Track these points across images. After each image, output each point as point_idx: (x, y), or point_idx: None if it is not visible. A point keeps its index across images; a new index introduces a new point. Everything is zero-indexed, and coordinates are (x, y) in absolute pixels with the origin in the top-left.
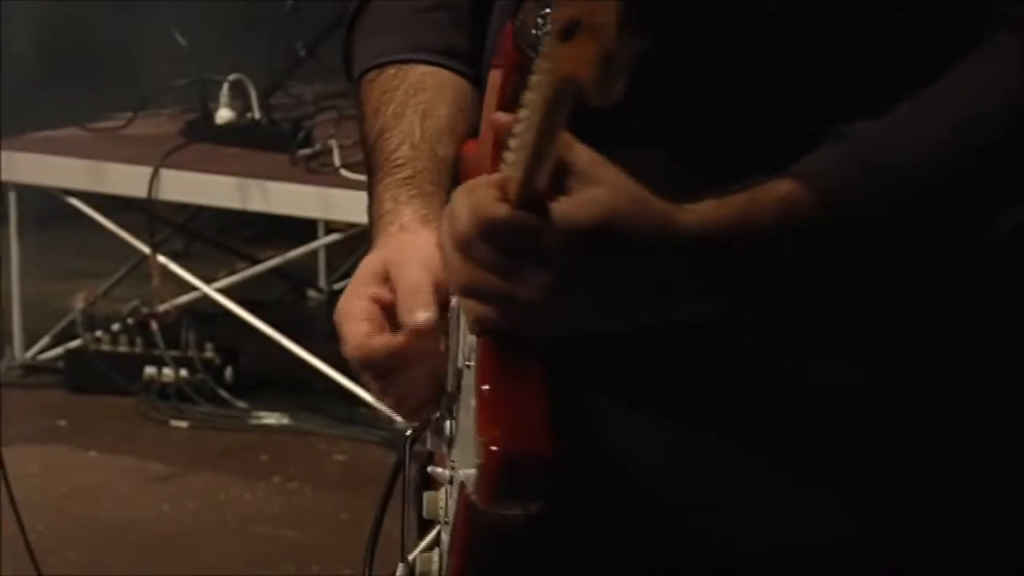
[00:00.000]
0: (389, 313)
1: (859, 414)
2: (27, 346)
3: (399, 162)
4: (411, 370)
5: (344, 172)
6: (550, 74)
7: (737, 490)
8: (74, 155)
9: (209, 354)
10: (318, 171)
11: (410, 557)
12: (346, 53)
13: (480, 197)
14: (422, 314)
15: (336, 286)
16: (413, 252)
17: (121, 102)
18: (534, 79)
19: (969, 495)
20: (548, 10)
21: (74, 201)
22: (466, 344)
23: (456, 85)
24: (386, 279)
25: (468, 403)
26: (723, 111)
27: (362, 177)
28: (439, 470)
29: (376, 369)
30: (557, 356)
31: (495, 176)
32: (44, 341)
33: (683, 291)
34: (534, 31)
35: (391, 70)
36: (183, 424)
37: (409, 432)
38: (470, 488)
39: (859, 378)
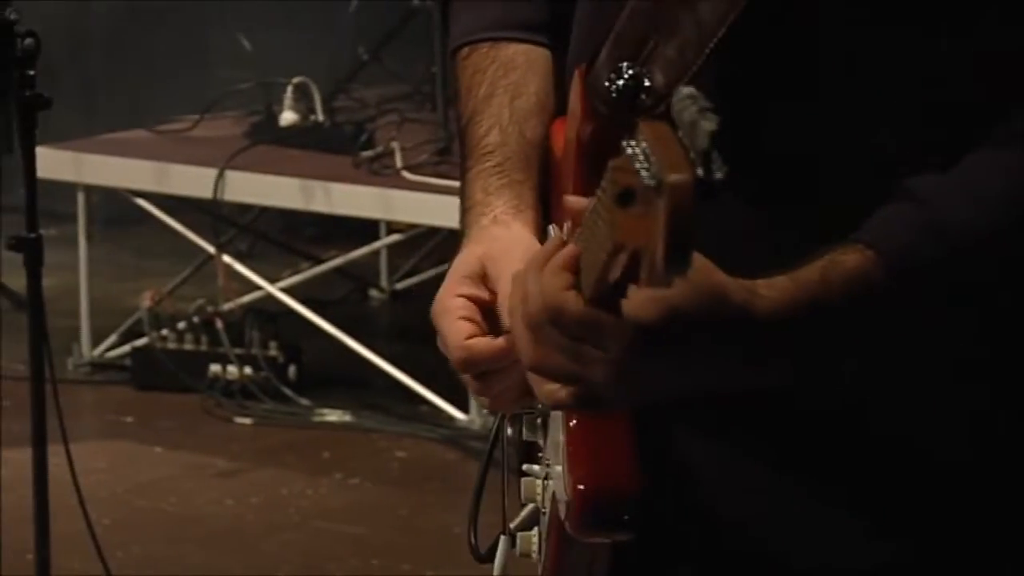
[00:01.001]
0: (486, 311)
1: (905, 442)
2: (95, 344)
3: (488, 149)
4: (510, 370)
5: (405, 174)
6: (611, 230)
7: (789, 511)
8: (141, 157)
9: (273, 352)
10: (380, 173)
11: (512, 526)
12: (444, 22)
13: (551, 284)
14: None
15: (398, 286)
16: (511, 248)
17: (187, 105)
18: (600, 201)
19: (1015, 525)
20: (623, 66)
21: (141, 202)
22: None
23: (546, 62)
24: (482, 277)
25: (558, 423)
26: (784, 180)
27: (423, 179)
28: (535, 467)
29: (477, 370)
30: None
31: (567, 255)
32: (111, 339)
33: (752, 370)
34: (607, 84)
35: (483, 48)
36: (247, 421)
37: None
38: (561, 514)
39: (908, 407)
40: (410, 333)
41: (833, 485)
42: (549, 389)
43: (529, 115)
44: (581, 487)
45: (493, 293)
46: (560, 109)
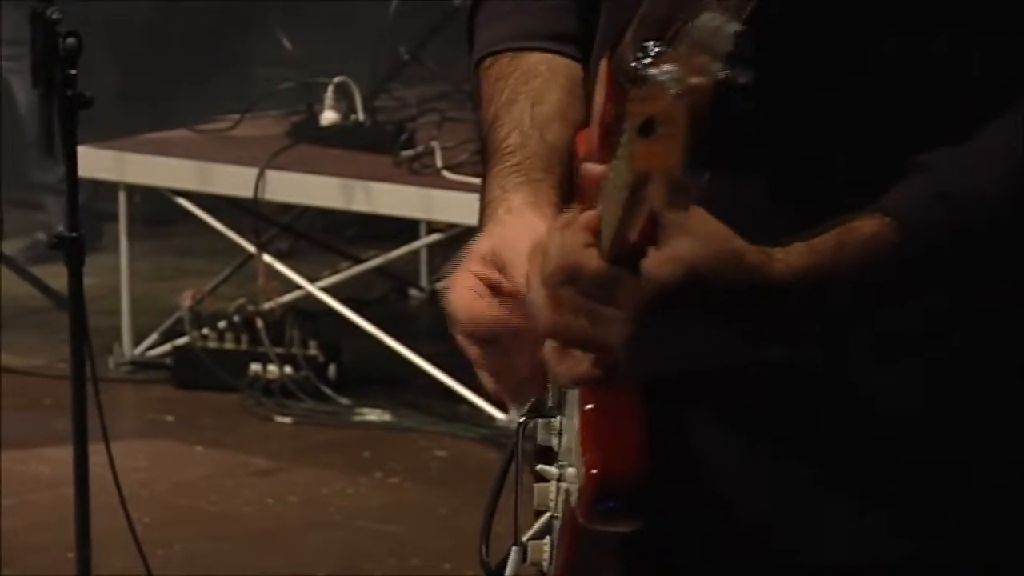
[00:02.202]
0: (495, 292)
1: (919, 439)
2: (136, 343)
3: (508, 149)
4: (513, 343)
5: (446, 173)
6: (631, 162)
7: (800, 506)
8: (183, 156)
9: (313, 351)
10: (420, 172)
11: (524, 539)
12: (469, 38)
13: (571, 241)
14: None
15: (437, 285)
16: (524, 233)
17: (229, 104)
18: (620, 153)
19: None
20: (648, 44)
21: (182, 201)
22: None
23: (568, 71)
24: (493, 261)
25: (574, 411)
26: (812, 176)
27: (463, 178)
28: (550, 468)
29: (478, 334)
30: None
31: (587, 217)
32: (152, 338)
33: (767, 335)
34: (632, 64)
35: (505, 57)
36: (287, 420)
37: (522, 418)
38: (572, 502)
39: (920, 403)
40: (449, 333)
41: (850, 478)
42: (566, 365)
43: (550, 120)
44: (593, 471)
45: (505, 276)
46: (586, 120)
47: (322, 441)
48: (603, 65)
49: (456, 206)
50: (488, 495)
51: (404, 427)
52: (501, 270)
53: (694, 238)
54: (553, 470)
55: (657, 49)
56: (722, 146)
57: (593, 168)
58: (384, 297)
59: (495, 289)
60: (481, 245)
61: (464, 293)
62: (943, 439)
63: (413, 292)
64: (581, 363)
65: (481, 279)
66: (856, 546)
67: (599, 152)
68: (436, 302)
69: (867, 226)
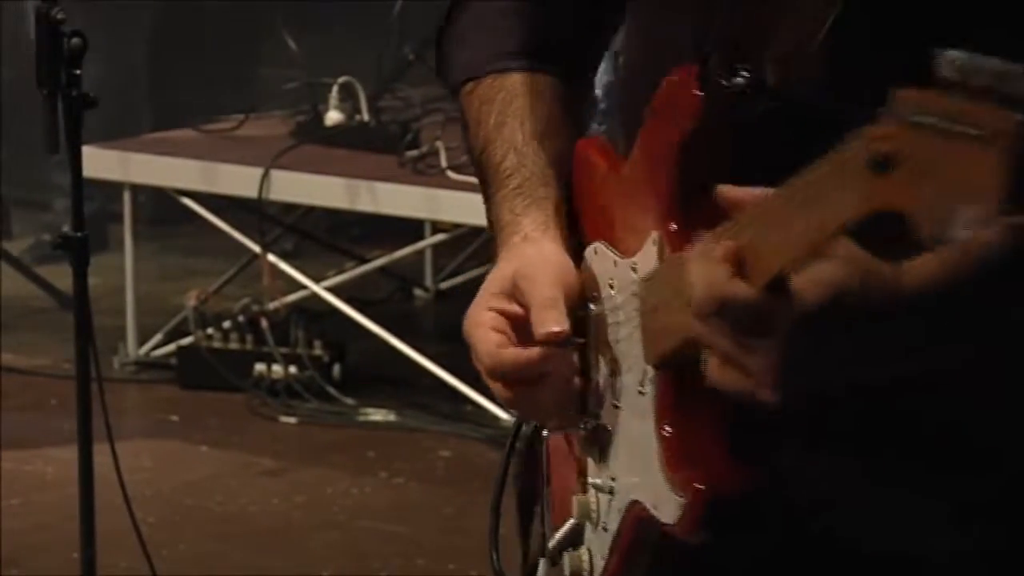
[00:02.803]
0: (516, 327)
1: (983, 427)
2: (140, 343)
3: (507, 172)
4: (541, 384)
5: (451, 173)
6: (864, 200)
7: (861, 496)
8: (187, 156)
9: (318, 351)
10: (425, 172)
11: (550, 545)
12: (440, 59)
13: (715, 274)
14: (555, 327)
15: (442, 285)
16: (542, 265)
17: (233, 104)
18: (803, 182)
19: None
20: (737, 66)
21: (187, 201)
22: (632, 368)
23: (551, 85)
24: (513, 294)
25: (639, 428)
26: None
27: (468, 178)
28: (598, 481)
29: (507, 379)
30: None
31: (726, 248)
32: (157, 338)
33: (905, 351)
34: (723, 83)
35: (487, 80)
36: (292, 420)
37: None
38: (670, 519)
39: (983, 390)
40: (455, 333)
41: (910, 468)
42: (730, 378)
43: (542, 136)
44: (698, 485)
45: (524, 308)
46: (580, 129)
47: (327, 441)
48: (677, 80)
49: (461, 206)
50: (507, 491)
51: (409, 427)
52: (521, 304)
53: (834, 260)
54: (599, 482)
55: (745, 72)
56: (779, 159)
57: (738, 193)
58: (389, 297)
59: (516, 321)
60: (499, 277)
61: (486, 335)
62: (1005, 427)
63: (418, 292)
64: (737, 380)
65: (502, 313)
66: (915, 535)
67: (670, 170)
68: (441, 302)
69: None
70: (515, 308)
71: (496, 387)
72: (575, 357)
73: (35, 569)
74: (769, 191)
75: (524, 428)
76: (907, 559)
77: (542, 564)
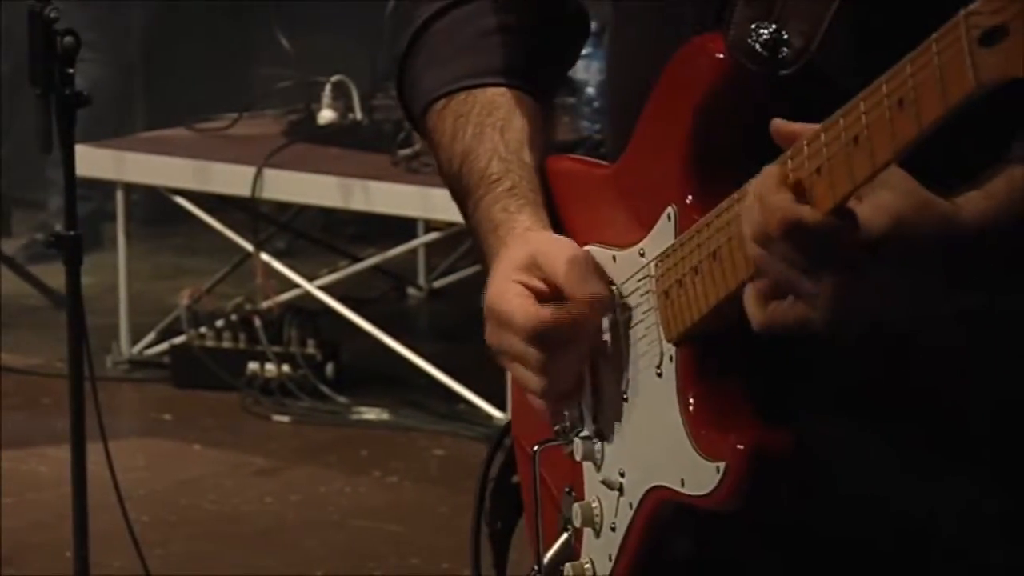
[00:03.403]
0: (540, 300)
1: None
2: (133, 342)
3: (495, 177)
4: (572, 348)
5: None
6: (982, 73)
7: (878, 459)
8: (180, 155)
9: (311, 350)
10: (418, 171)
11: (546, 559)
12: (404, 85)
13: (780, 199)
14: (598, 285)
15: (435, 284)
16: (558, 243)
17: (226, 103)
18: (883, 91)
19: None
20: (764, 23)
21: (180, 200)
22: (645, 354)
23: (526, 101)
24: (532, 269)
25: (657, 412)
26: None
27: None
28: (606, 477)
29: (546, 339)
30: (756, 360)
31: (785, 173)
32: (150, 337)
33: (963, 282)
34: (750, 41)
35: (460, 96)
36: (285, 419)
37: (535, 448)
38: (705, 490)
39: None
40: (448, 331)
41: (929, 435)
42: (776, 312)
43: (521, 145)
44: (740, 446)
45: (548, 284)
46: (550, 147)
47: (321, 440)
48: (697, 46)
49: (454, 205)
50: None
51: (403, 426)
52: (542, 278)
53: (894, 189)
54: (608, 478)
55: (771, 28)
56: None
57: (793, 126)
58: (382, 296)
59: (540, 296)
60: (515, 256)
61: (517, 300)
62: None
63: (411, 291)
64: (791, 311)
65: (527, 287)
66: (931, 498)
67: (688, 134)
68: (435, 301)
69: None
70: (538, 283)
71: (530, 352)
72: (604, 323)
73: (29, 568)
74: (824, 123)
75: (493, 464)
76: (925, 524)
77: None
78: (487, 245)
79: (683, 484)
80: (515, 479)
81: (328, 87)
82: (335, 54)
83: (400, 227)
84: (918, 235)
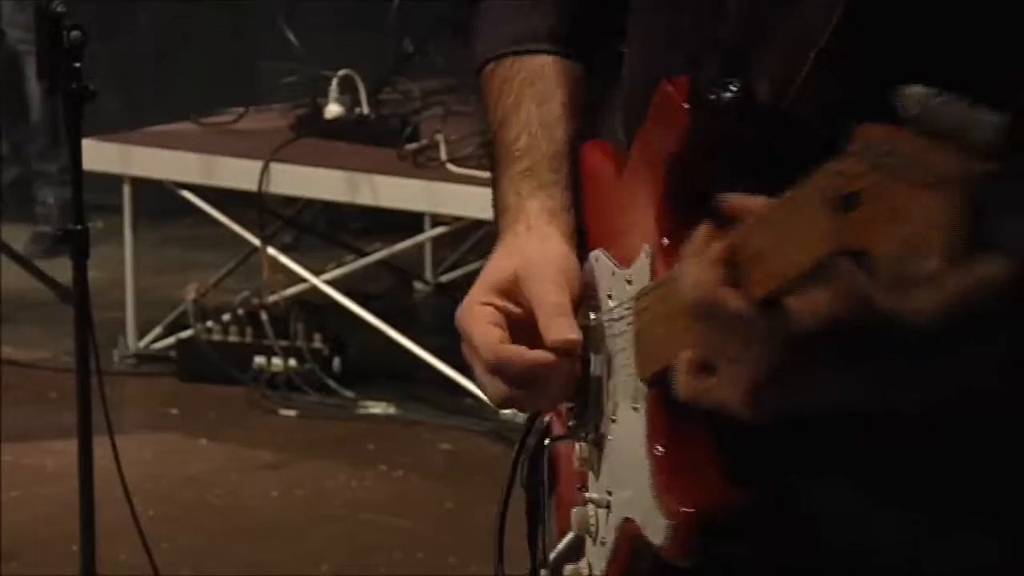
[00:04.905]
0: (512, 325)
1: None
2: (140, 336)
3: (517, 154)
4: (542, 386)
5: (450, 166)
6: (828, 239)
7: (868, 512)
8: (187, 149)
9: (317, 344)
10: (425, 165)
11: (552, 556)
12: (468, 33)
13: (706, 276)
14: (570, 334)
15: (442, 278)
16: (545, 266)
17: (233, 97)
18: (796, 199)
19: None
20: (728, 80)
21: (187, 194)
22: (627, 383)
23: (570, 72)
24: (511, 291)
25: (633, 444)
26: None
27: (468, 171)
28: (596, 495)
29: (509, 376)
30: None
31: (720, 250)
32: (156, 331)
33: (897, 383)
34: (712, 97)
35: (507, 61)
36: (292, 413)
37: (545, 438)
38: (659, 541)
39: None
40: (454, 325)
41: (918, 486)
42: (700, 387)
43: (557, 120)
44: (686, 509)
45: (524, 309)
46: (592, 129)
47: (327, 434)
48: (668, 94)
49: (461, 199)
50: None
51: (409, 420)
52: (520, 303)
53: (835, 286)
54: (597, 496)
55: (735, 88)
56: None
57: (742, 201)
58: (389, 290)
59: (513, 320)
60: (499, 269)
61: (486, 330)
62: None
63: (418, 285)
64: (713, 389)
65: (499, 310)
66: (923, 552)
67: (665, 179)
68: (441, 295)
69: None
70: (512, 307)
71: (493, 383)
72: (578, 365)
73: (35, 562)
74: (773, 201)
75: (533, 430)
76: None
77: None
78: (496, 225)
79: (645, 528)
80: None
81: (335, 81)
82: (342, 48)
83: (407, 221)
84: (851, 331)
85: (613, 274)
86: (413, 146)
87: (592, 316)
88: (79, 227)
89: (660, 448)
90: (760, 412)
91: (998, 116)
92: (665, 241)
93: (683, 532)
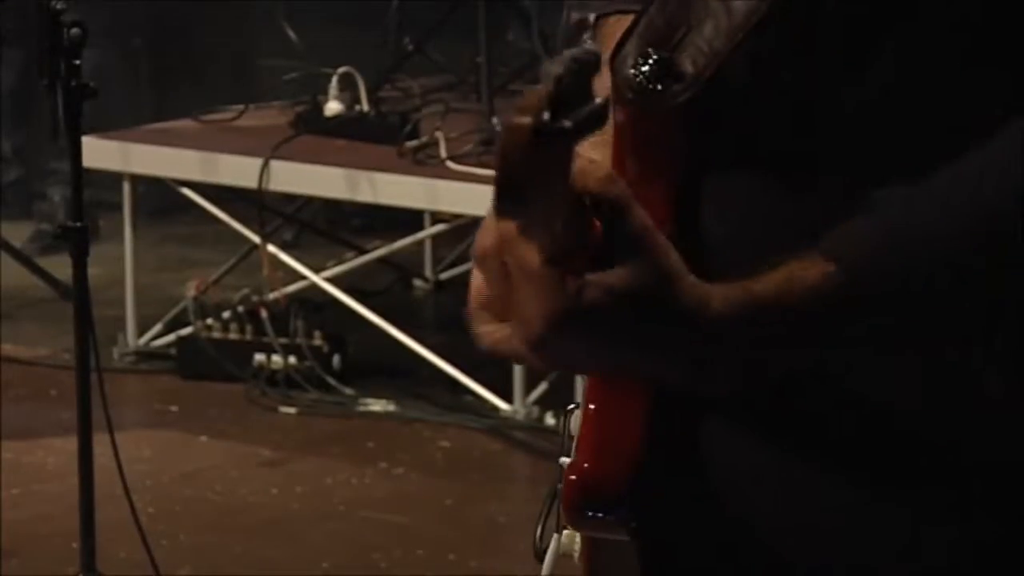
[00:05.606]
0: None
1: (928, 439)
2: (140, 333)
3: None
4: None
5: (450, 164)
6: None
7: (823, 512)
8: (187, 146)
9: (317, 342)
10: (425, 163)
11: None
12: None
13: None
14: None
15: (442, 276)
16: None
17: (233, 94)
18: None
19: None
20: (649, 52)
21: (187, 191)
22: None
23: None
24: None
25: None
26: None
27: (467, 169)
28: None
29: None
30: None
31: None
32: (156, 328)
33: (700, 373)
34: (632, 72)
35: (612, 19)
36: (291, 410)
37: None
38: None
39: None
40: (454, 323)
41: (869, 479)
42: (488, 329)
43: None
44: (572, 476)
45: None
46: None
47: (327, 432)
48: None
49: (460, 196)
50: (507, 481)
51: (409, 417)
52: None
53: (633, 270)
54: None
55: (655, 57)
56: (721, 144)
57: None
58: (389, 288)
59: None
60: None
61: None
62: (947, 440)
63: (418, 283)
64: (497, 333)
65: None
66: (880, 547)
67: (615, 153)
68: (441, 292)
69: (813, 272)
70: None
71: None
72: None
73: (35, 559)
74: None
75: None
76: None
77: (554, 540)
78: None
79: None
80: None
81: (335, 79)
82: (342, 46)
83: (406, 219)
84: (644, 320)
85: None
86: (413, 143)
87: None
88: (78, 224)
89: (591, 408)
90: (547, 365)
91: (560, 65)
92: None
93: (565, 497)
